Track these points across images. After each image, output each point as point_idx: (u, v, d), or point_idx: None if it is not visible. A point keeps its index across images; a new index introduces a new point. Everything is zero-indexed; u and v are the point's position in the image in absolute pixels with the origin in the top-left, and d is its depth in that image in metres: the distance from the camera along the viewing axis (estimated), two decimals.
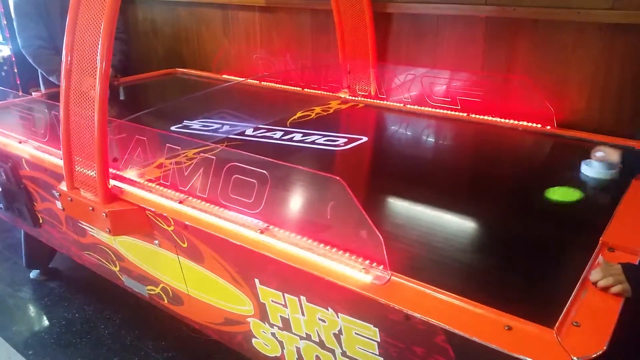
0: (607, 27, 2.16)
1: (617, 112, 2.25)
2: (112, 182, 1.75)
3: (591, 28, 2.21)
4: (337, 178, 1.28)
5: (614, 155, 1.79)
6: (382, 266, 1.26)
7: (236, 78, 3.17)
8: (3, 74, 3.64)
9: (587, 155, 1.86)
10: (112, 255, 1.98)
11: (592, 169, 1.82)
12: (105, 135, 1.63)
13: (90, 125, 1.63)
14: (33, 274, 2.86)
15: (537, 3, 2.32)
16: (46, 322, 2.55)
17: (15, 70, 3.61)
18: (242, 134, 2.30)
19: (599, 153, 1.81)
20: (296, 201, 1.57)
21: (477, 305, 1.13)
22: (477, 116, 2.40)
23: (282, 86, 3.05)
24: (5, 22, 3.56)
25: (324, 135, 2.25)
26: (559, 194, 1.69)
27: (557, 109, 2.25)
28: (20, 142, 2.22)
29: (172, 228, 1.63)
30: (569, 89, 2.34)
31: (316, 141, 2.21)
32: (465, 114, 2.43)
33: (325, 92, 2.91)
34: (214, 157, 1.61)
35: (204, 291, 1.70)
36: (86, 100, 1.63)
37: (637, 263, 1.25)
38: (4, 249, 3.16)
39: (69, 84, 1.69)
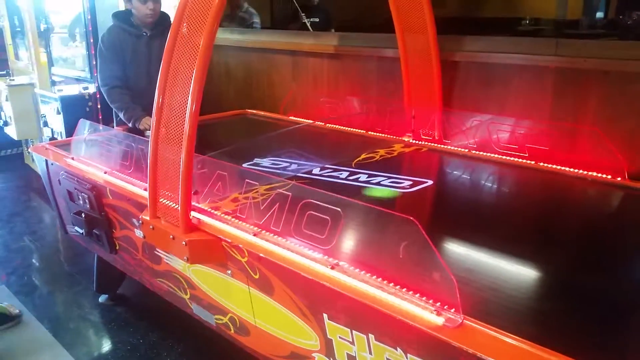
0: None
1: None
2: (192, 213, 1.85)
3: None
4: (412, 219, 1.32)
5: None
6: (454, 309, 1.27)
7: (303, 120, 3.30)
8: (87, 109, 3.94)
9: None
10: (185, 283, 2.07)
11: None
12: (191, 170, 1.74)
13: (176, 160, 1.75)
14: (102, 298, 3.01)
15: (607, 55, 2.33)
16: (112, 346, 2.65)
17: (99, 107, 3.90)
18: (310, 172, 2.39)
19: None
20: (367, 239, 1.61)
21: (554, 353, 1.12)
22: (546, 165, 2.39)
23: (347, 128, 3.15)
24: (95, 62, 3.88)
25: (389, 177, 2.30)
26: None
27: (629, 161, 2.21)
28: (105, 172, 2.39)
29: (245, 259, 1.70)
30: None
31: (381, 182, 2.26)
32: (532, 162, 2.42)
33: (389, 135, 2.97)
34: (289, 193, 1.68)
35: (272, 323, 1.74)
36: (175, 138, 1.76)
37: None
38: (76, 273, 3.35)
39: (159, 122, 1.83)
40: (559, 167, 2.36)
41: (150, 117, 2.93)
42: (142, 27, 3.05)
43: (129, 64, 3.06)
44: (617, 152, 2.22)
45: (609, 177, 2.23)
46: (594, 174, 2.27)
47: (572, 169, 2.32)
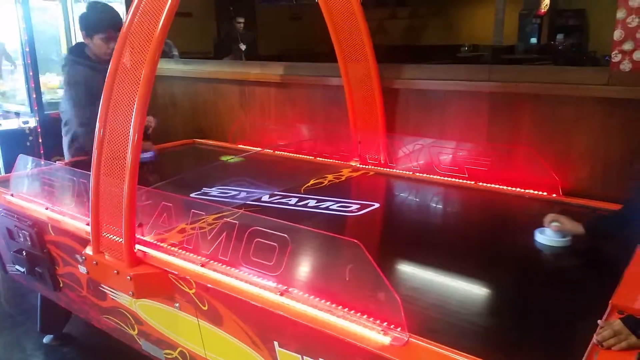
0: (605, 101, 2.30)
1: (620, 180, 2.33)
2: (137, 247, 1.82)
3: (590, 102, 2.34)
4: (356, 242, 1.35)
5: (568, 225, 1.86)
6: (400, 328, 1.30)
7: (252, 148, 3.32)
8: (28, 143, 3.82)
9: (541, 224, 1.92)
10: (132, 319, 2.01)
11: (545, 237, 1.90)
12: (134, 202, 1.72)
13: (119, 193, 1.73)
14: (46, 339, 2.87)
15: (538, 79, 2.48)
16: None
17: (40, 141, 3.79)
18: (259, 200, 2.40)
19: (553, 223, 1.87)
20: (315, 264, 1.63)
21: None
22: (485, 184, 2.49)
23: (296, 155, 3.19)
24: (34, 96, 3.79)
25: (337, 202, 2.34)
26: None
27: (562, 178, 2.34)
28: (46, 208, 2.31)
29: (193, 291, 1.68)
30: (572, 159, 2.44)
31: (330, 207, 2.29)
32: (472, 182, 2.52)
33: (336, 161, 3.03)
34: (236, 222, 1.69)
35: (222, 355, 1.72)
36: (117, 170, 1.73)
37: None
38: (17, 314, 3.18)
39: (100, 154, 1.80)
40: (497, 186, 2.46)
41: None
42: (100, 62, 3.00)
43: (97, 98, 2.98)
44: (551, 170, 2.34)
45: (545, 193, 2.35)
46: (531, 191, 2.38)
47: (510, 188, 2.43)
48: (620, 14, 2.18)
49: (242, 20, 5.65)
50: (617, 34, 2.19)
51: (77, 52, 3.05)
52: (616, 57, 2.22)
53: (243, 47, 5.64)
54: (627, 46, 2.18)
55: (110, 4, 2.99)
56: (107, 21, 2.88)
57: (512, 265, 1.82)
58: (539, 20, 8.51)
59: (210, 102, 3.90)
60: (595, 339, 1.23)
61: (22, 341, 2.90)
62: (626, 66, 2.20)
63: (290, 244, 1.53)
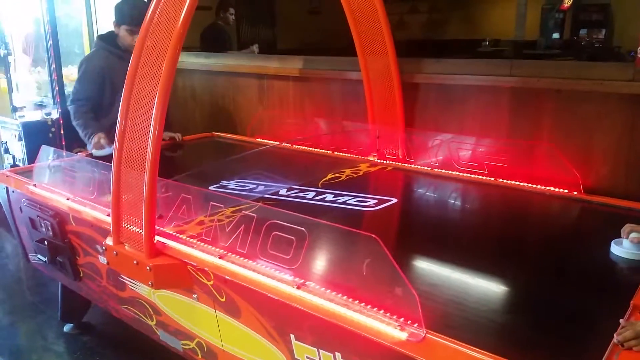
0: (629, 97, 2.25)
1: None
2: (156, 238, 1.84)
3: (614, 98, 2.30)
4: (374, 236, 1.35)
5: None
6: (417, 324, 1.30)
7: (270, 142, 3.33)
8: (50, 135, 3.88)
9: (617, 235, 1.75)
10: (150, 309, 2.04)
11: (622, 249, 1.72)
12: (154, 194, 1.74)
13: (140, 185, 1.75)
14: (67, 327, 2.92)
15: (560, 74, 2.44)
16: None
17: (62, 132, 3.84)
18: (276, 193, 2.40)
19: (633, 234, 1.69)
20: (332, 258, 1.63)
21: None
22: (504, 181, 2.46)
23: (314, 149, 3.18)
24: (57, 88, 3.85)
25: (355, 196, 2.33)
26: None
27: (583, 176, 2.30)
28: (68, 199, 2.35)
29: (211, 282, 1.70)
30: (593, 156, 2.40)
31: (347, 202, 2.29)
32: (492, 179, 2.50)
33: (354, 155, 3.02)
34: (254, 215, 1.69)
35: (239, 346, 1.73)
36: (138, 162, 1.75)
37: None
38: (39, 303, 3.25)
39: (122, 146, 1.83)
40: (517, 183, 2.43)
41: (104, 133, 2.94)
42: (128, 52, 3.07)
43: (120, 87, 3.06)
44: (572, 167, 2.31)
45: (566, 191, 2.32)
46: (551, 188, 2.35)
47: (530, 185, 2.40)
48: None
49: (233, 11, 5.60)
50: None
51: (108, 39, 3.12)
52: None
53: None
54: None
55: None
56: (136, 15, 2.94)
57: (530, 263, 1.80)
58: (562, 14, 8.34)
59: (229, 95, 3.92)
60: (616, 338, 1.21)
61: (44, 329, 2.96)
62: None
63: (308, 238, 1.53)
